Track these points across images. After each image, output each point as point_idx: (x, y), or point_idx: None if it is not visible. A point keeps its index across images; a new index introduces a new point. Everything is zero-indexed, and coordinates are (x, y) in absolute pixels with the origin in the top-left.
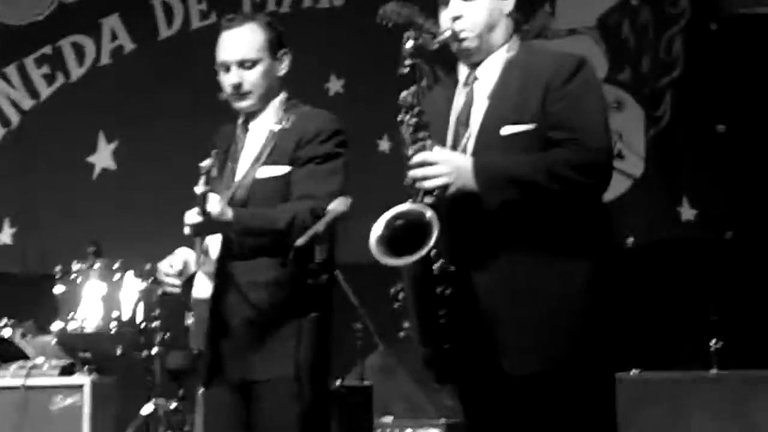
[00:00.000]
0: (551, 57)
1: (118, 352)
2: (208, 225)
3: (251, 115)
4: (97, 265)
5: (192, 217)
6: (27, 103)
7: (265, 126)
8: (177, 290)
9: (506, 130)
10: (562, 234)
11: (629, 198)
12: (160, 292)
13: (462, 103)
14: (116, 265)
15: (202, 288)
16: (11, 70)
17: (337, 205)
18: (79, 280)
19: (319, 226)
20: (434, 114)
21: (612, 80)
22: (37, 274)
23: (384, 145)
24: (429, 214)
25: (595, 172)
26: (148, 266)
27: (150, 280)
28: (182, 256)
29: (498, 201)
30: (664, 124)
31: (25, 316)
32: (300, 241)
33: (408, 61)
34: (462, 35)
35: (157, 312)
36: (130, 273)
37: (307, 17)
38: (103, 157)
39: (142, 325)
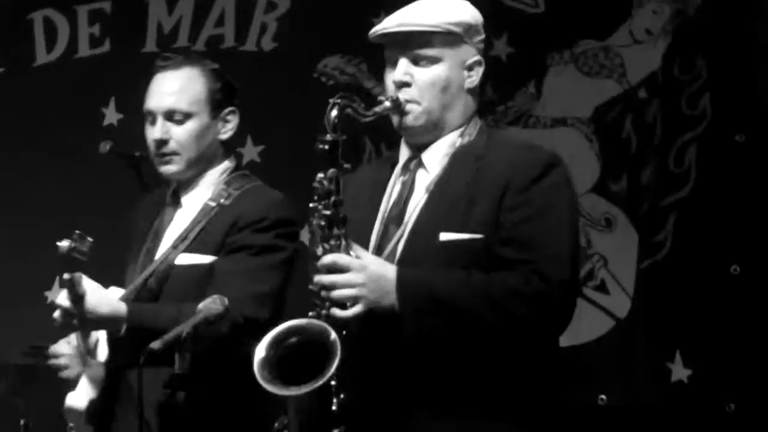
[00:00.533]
0: (515, 150)
1: None
2: (84, 318)
3: (183, 185)
4: None
5: (63, 300)
6: None
7: (198, 201)
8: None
9: (445, 236)
10: (497, 384)
11: (607, 344)
12: None
13: (397, 193)
14: None
15: (80, 395)
16: None
17: (210, 305)
18: None
19: (183, 328)
20: (359, 199)
21: (602, 191)
22: None
23: (305, 235)
24: (332, 336)
25: (549, 308)
26: None
27: None
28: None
29: (420, 328)
30: (662, 254)
31: None
32: (155, 344)
33: (329, 136)
34: (407, 108)
35: None
36: None
37: (225, 60)
38: None
39: None
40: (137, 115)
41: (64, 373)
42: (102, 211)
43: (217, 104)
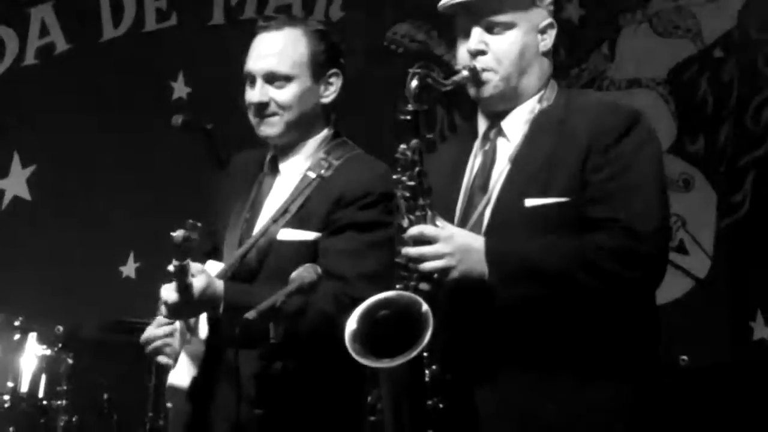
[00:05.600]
0: (596, 109)
1: None
2: (191, 305)
3: (282, 151)
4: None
5: (169, 294)
6: None
7: (297, 170)
8: (168, 360)
9: (531, 202)
10: (596, 345)
11: (688, 304)
12: (69, 360)
13: (480, 162)
14: (17, 322)
15: (181, 373)
16: None
17: (303, 273)
18: None
19: (278, 297)
20: (442, 173)
21: (679, 151)
22: None
23: None
24: (424, 307)
25: (643, 264)
26: (59, 329)
27: (59, 347)
28: (169, 341)
29: (513, 296)
30: (741, 213)
31: None
32: (251, 314)
33: (410, 106)
34: (484, 77)
35: (64, 387)
36: (33, 334)
37: None
38: (15, 183)
39: (44, 403)
40: (207, 88)
41: (162, 359)
42: (173, 184)
43: (319, 66)
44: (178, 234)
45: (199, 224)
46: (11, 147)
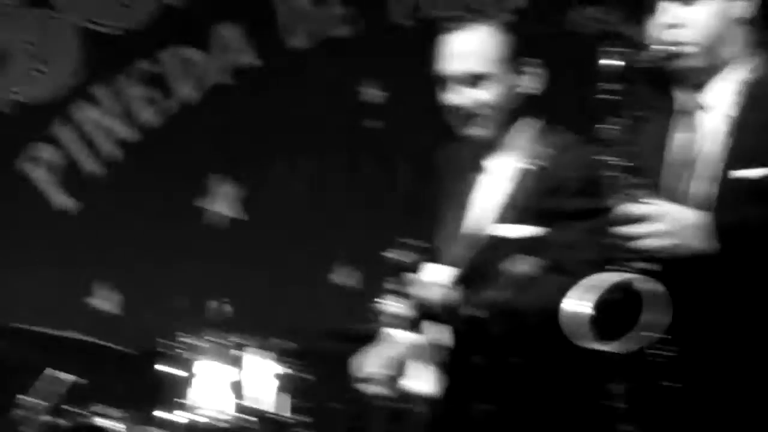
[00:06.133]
0: None
1: None
2: (420, 317)
3: (486, 147)
4: (219, 339)
5: (397, 308)
6: (121, 133)
7: (508, 164)
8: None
9: (743, 173)
10: None
11: None
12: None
13: (684, 137)
14: (245, 341)
15: (422, 379)
16: (102, 91)
17: (522, 267)
18: (192, 357)
19: (499, 294)
20: (645, 150)
21: None
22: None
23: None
24: (647, 287)
25: None
26: (286, 343)
27: (293, 362)
28: (394, 352)
29: (739, 270)
30: None
31: (121, 402)
32: (474, 312)
33: (608, 86)
34: (681, 50)
35: (299, 402)
36: (259, 350)
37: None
38: (220, 203)
39: (283, 419)
40: (399, 91)
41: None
42: (382, 192)
43: (514, 59)
44: (394, 255)
45: (412, 242)
46: (214, 166)
